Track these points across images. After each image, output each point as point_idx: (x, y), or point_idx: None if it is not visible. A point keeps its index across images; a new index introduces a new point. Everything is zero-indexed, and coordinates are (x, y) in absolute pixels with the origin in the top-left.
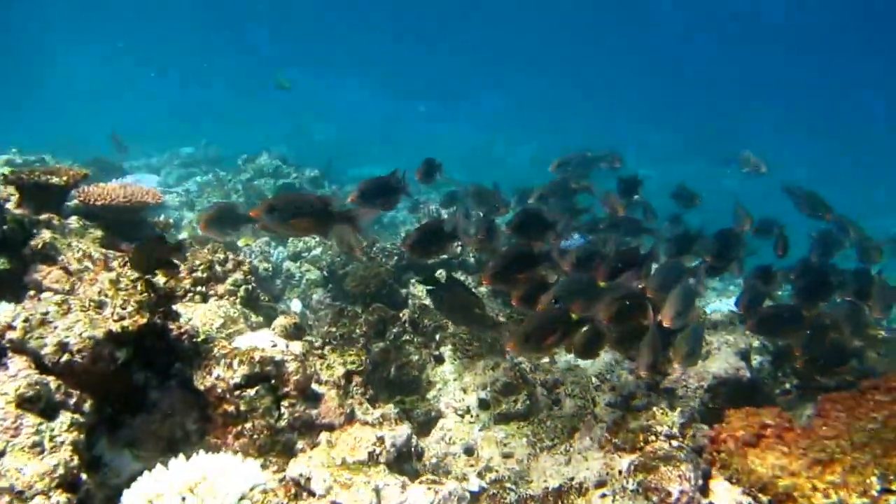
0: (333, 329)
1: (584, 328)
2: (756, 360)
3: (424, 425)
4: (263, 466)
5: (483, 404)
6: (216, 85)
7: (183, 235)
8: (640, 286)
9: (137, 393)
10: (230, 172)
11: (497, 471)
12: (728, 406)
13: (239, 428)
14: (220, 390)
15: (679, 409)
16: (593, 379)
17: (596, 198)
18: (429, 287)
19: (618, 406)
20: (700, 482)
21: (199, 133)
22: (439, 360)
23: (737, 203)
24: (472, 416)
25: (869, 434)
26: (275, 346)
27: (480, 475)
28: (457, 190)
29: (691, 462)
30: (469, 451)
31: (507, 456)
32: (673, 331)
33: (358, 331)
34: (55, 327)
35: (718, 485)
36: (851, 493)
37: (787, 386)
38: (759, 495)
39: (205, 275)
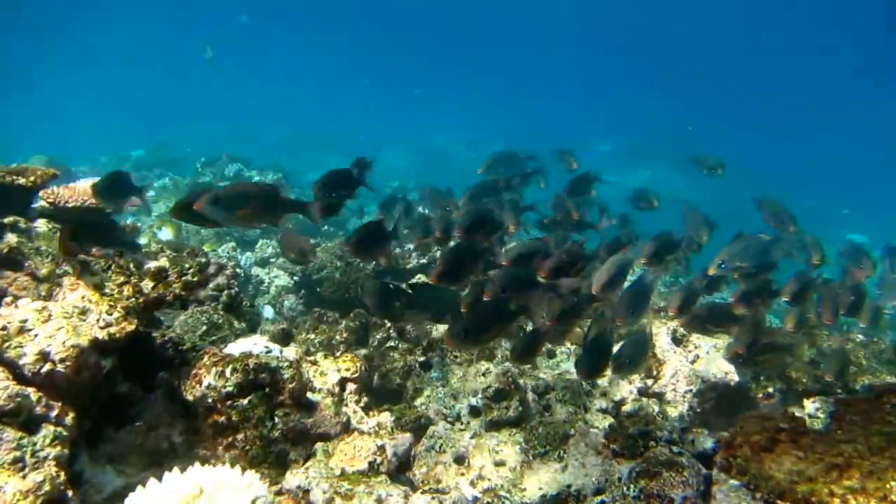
0: (312, 336)
1: (526, 333)
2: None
3: (413, 434)
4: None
5: (474, 411)
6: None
7: (142, 241)
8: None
9: (120, 404)
10: (187, 176)
11: (490, 479)
12: (715, 410)
13: (230, 439)
14: (210, 400)
15: (679, 414)
16: (584, 384)
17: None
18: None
19: (609, 412)
20: (703, 488)
21: (148, 132)
22: (426, 366)
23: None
24: (462, 424)
25: (887, 438)
26: (269, 352)
27: (473, 484)
28: (395, 194)
29: (693, 468)
30: (460, 459)
31: (499, 464)
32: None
33: (338, 337)
34: (35, 335)
35: (721, 490)
36: (871, 498)
37: (770, 389)
38: (778, 502)
39: (195, 279)
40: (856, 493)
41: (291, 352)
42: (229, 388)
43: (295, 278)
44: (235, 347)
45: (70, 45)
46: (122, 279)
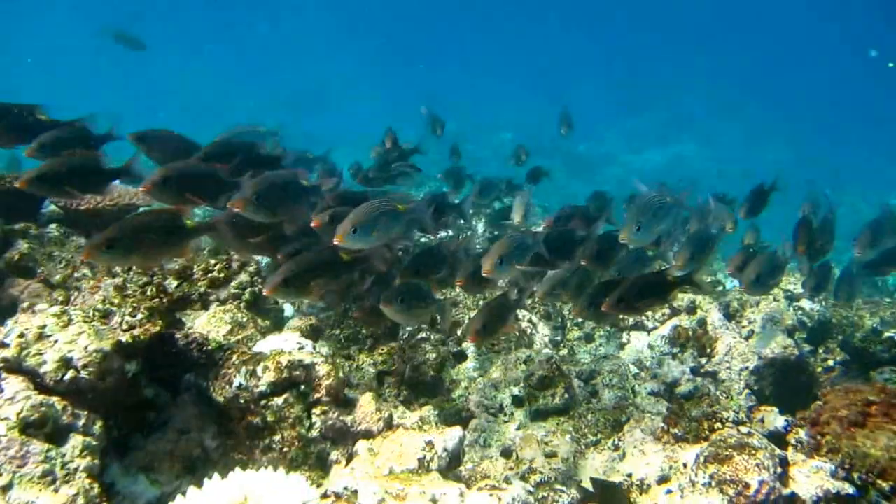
0: (337, 331)
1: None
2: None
3: None
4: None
5: (517, 401)
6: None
7: None
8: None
9: (147, 410)
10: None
11: (542, 472)
12: (775, 388)
13: (266, 441)
14: (242, 401)
15: (745, 393)
16: (631, 367)
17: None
18: None
19: (661, 395)
20: (780, 470)
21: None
22: (460, 356)
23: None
24: (506, 415)
25: None
26: (302, 348)
27: (524, 478)
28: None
29: (767, 448)
30: (507, 452)
31: (550, 455)
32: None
33: (364, 331)
34: (55, 341)
35: (799, 471)
36: None
37: (830, 363)
38: (878, 481)
39: (222, 275)
40: None
41: (325, 347)
42: (262, 388)
43: None
44: (265, 345)
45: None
46: (145, 279)
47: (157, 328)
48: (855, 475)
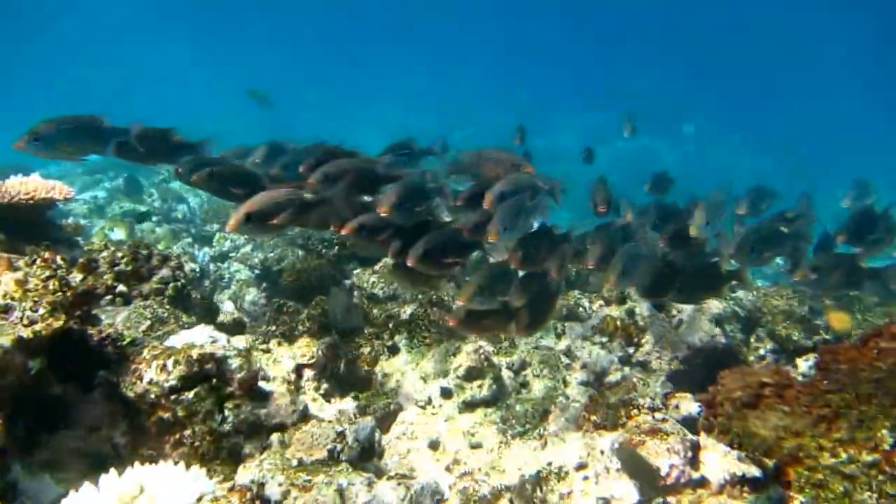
0: (273, 328)
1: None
2: (727, 327)
3: (383, 421)
4: (208, 476)
5: (445, 393)
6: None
7: (94, 241)
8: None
9: (55, 407)
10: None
11: (466, 463)
12: (704, 376)
13: (177, 436)
14: (153, 396)
15: (661, 379)
16: (562, 357)
17: None
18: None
19: (591, 384)
20: (690, 454)
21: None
22: (393, 350)
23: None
24: (434, 407)
25: (875, 385)
26: (214, 341)
27: (448, 469)
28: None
29: (678, 433)
30: (434, 444)
31: (475, 447)
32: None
33: (301, 327)
34: None
35: (709, 455)
36: (861, 449)
37: (762, 351)
38: (764, 459)
39: (129, 268)
40: (845, 444)
41: (241, 340)
42: (172, 382)
43: (256, 271)
44: (177, 339)
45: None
46: (47, 273)
47: (60, 323)
48: (733, 455)
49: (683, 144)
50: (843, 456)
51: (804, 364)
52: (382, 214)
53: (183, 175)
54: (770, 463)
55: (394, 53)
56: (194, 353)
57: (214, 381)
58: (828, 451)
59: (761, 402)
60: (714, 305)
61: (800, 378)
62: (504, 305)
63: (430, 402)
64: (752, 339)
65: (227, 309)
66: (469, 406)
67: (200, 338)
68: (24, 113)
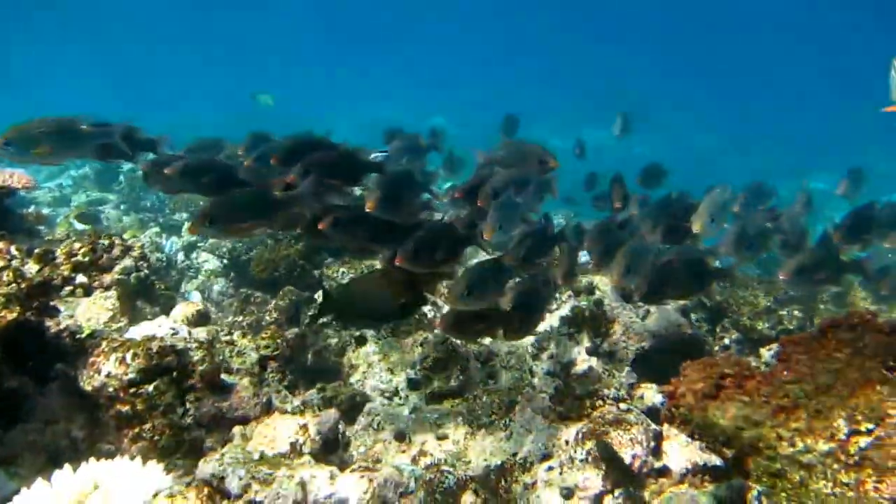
0: (240, 318)
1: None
2: (693, 316)
3: (349, 412)
4: (167, 471)
5: (412, 384)
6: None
7: (59, 231)
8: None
9: (11, 400)
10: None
11: (432, 454)
12: (671, 366)
13: (136, 430)
14: (111, 389)
15: (626, 370)
16: (529, 348)
17: None
18: None
19: (558, 375)
20: (652, 444)
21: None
22: (361, 340)
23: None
24: (400, 398)
25: (833, 375)
26: (176, 333)
27: (414, 461)
28: None
29: (642, 424)
30: (400, 436)
31: (442, 438)
32: None
33: (268, 318)
34: None
35: (672, 445)
36: (818, 438)
37: (727, 341)
38: (724, 450)
39: (86, 259)
40: (803, 434)
41: (203, 332)
42: (131, 375)
43: (224, 261)
44: (137, 331)
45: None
46: (0, 264)
47: (14, 315)
48: (695, 445)
49: (654, 134)
50: (801, 445)
51: (767, 354)
52: (367, 209)
53: (150, 173)
54: (729, 453)
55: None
56: (154, 346)
57: (175, 373)
58: (786, 440)
59: (722, 392)
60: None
61: (763, 367)
62: (496, 307)
63: (396, 392)
64: (717, 330)
65: (195, 300)
66: (436, 397)
67: (161, 330)
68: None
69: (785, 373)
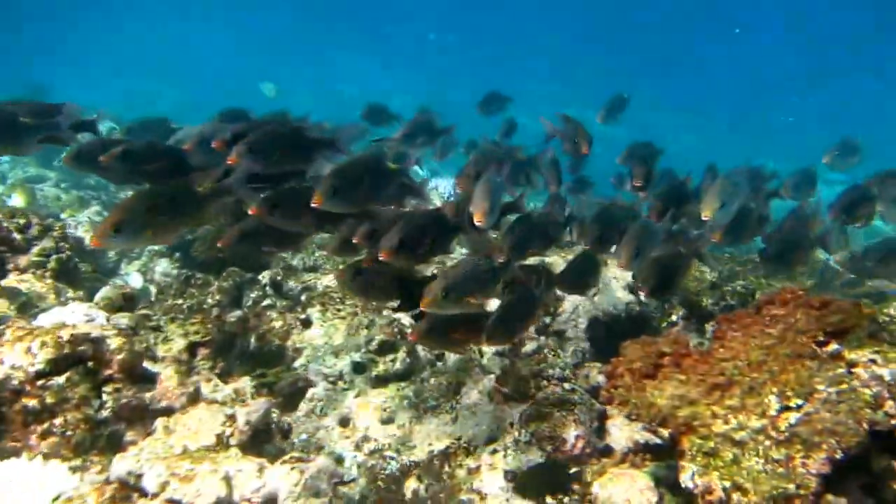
0: (180, 301)
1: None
2: (642, 295)
3: (291, 398)
4: (81, 469)
5: (357, 368)
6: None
7: None
8: None
9: None
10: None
11: (377, 440)
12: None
13: (45, 425)
14: (16, 382)
15: (571, 349)
16: None
17: None
18: None
19: (506, 355)
20: (595, 424)
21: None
22: (307, 323)
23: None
24: (345, 383)
25: (765, 351)
26: (91, 320)
27: (358, 447)
28: None
29: (585, 404)
30: (344, 421)
31: (386, 422)
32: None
33: (210, 300)
34: None
35: (615, 423)
36: (750, 415)
37: (674, 317)
38: (660, 429)
39: None
40: (736, 411)
41: (123, 319)
42: (39, 366)
43: None
44: (47, 318)
45: None
46: None
47: None
48: (637, 425)
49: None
50: (734, 423)
51: (712, 330)
52: (314, 205)
53: (81, 158)
54: (666, 433)
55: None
56: (65, 334)
57: (90, 363)
58: (720, 418)
59: (660, 371)
60: (628, 273)
61: (706, 342)
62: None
63: (341, 377)
64: (665, 306)
65: (135, 282)
66: (382, 381)
67: (74, 316)
68: None
69: (720, 350)
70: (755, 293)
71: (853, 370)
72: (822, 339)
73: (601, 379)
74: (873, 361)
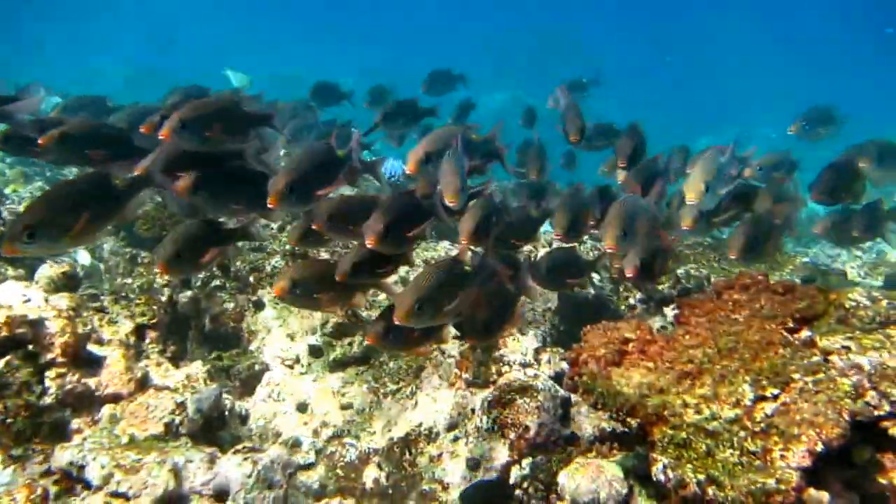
0: (129, 280)
1: None
2: (596, 277)
3: (248, 382)
4: (22, 458)
5: (314, 351)
6: None
7: None
8: None
9: None
10: None
11: (335, 425)
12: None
13: None
14: None
15: (532, 333)
16: None
17: None
18: None
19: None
20: (560, 411)
21: None
22: (259, 305)
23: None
24: (302, 366)
25: (734, 338)
26: (28, 300)
27: (316, 433)
28: None
29: (549, 390)
30: (302, 406)
31: (345, 407)
32: None
33: (160, 280)
34: None
35: (581, 410)
36: (723, 405)
37: (631, 301)
38: (628, 419)
39: None
40: (709, 400)
41: (64, 300)
42: None
43: None
44: None
45: None
46: None
47: None
48: (605, 414)
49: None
50: (706, 412)
51: (672, 314)
52: (270, 206)
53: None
54: (634, 423)
55: None
56: (0, 315)
57: (31, 346)
58: (692, 407)
59: (625, 358)
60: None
61: (669, 327)
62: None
63: (297, 360)
64: (621, 290)
65: (83, 260)
66: (340, 364)
67: (8, 297)
68: None
69: (686, 337)
70: (710, 277)
71: (829, 358)
72: (791, 325)
73: (564, 365)
74: (847, 349)
